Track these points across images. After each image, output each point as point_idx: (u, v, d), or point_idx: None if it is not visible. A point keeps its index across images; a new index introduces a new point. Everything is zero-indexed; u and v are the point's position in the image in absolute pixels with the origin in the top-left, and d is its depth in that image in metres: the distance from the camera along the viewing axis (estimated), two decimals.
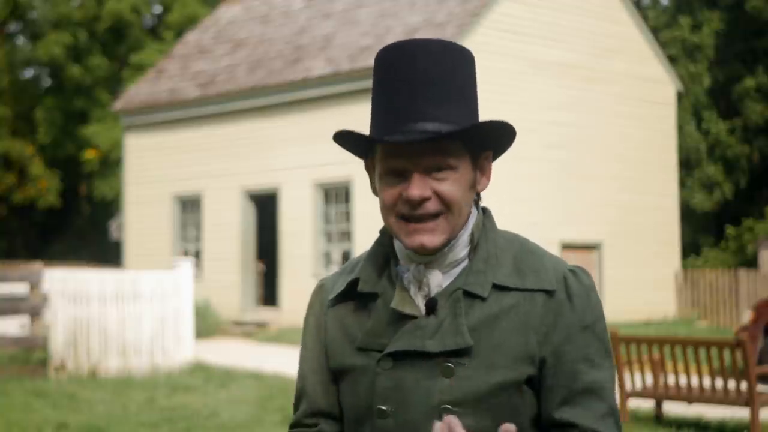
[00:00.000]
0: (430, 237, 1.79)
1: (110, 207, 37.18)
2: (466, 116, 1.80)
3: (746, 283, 21.31)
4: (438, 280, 1.83)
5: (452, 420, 1.62)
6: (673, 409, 9.79)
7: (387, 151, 1.80)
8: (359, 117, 18.04)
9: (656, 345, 8.98)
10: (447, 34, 18.59)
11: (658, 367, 8.88)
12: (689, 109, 28.81)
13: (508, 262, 1.86)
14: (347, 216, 19.87)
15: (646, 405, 9.91)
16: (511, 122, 1.84)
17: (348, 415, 1.90)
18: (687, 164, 28.49)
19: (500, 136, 1.85)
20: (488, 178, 1.89)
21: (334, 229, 20.18)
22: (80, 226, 41.18)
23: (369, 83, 18.88)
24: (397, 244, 1.89)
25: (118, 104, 24.76)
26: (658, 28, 30.11)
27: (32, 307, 12.58)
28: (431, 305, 1.82)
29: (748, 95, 28.72)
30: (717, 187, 28.67)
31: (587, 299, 1.85)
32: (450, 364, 1.78)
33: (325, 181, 20.07)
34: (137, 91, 24.72)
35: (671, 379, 9.72)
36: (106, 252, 35.83)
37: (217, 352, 15.88)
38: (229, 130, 21.97)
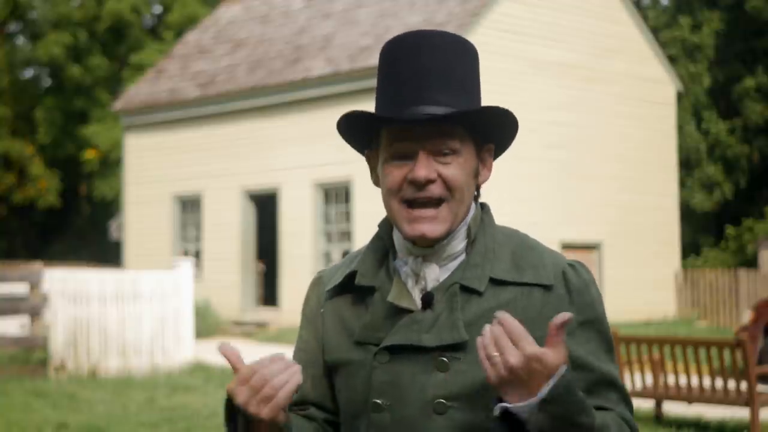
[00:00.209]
0: (431, 226, 1.80)
1: (110, 207, 37.19)
2: (469, 103, 1.83)
3: (746, 283, 21.31)
4: (435, 274, 1.84)
5: (504, 317, 1.63)
6: (673, 409, 9.79)
7: (392, 135, 1.82)
8: None
9: (656, 345, 8.98)
10: None
11: (658, 367, 8.88)
12: (689, 109, 28.81)
13: (506, 257, 1.86)
14: (347, 216, 19.87)
15: (646, 405, 9.91)
16: None
17: (344, 409, 1.90)
18: (687, 164, 28.49)
19: (503, 125, 1.86)
20: (489, 171, 1.90)
21: (334, 229, 20.18)
22: (80, 226, 41.18)
23: (369, 83, 18.91)
24: (396, 237, 1.89)
25: (118, 104, 24.76)
26: (658, 28, 30.11)
27: (32, 307, 12.58)
28: (428, 299, 1.82)
29: (748, 95, 28.72)
30: (717, 187, 28.67)
31: (587, 294, 1.85)
32: (445, 359, 1.78)
33: (325, 181, 20.07)
34: (137, 91, 24.73)
35: (671, 379, 9.72)
36: (106, 252, 35.83)
37: (217, 352, 15.83)
38: (229, 130, 21.97)
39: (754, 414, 8.17)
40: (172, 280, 13.61)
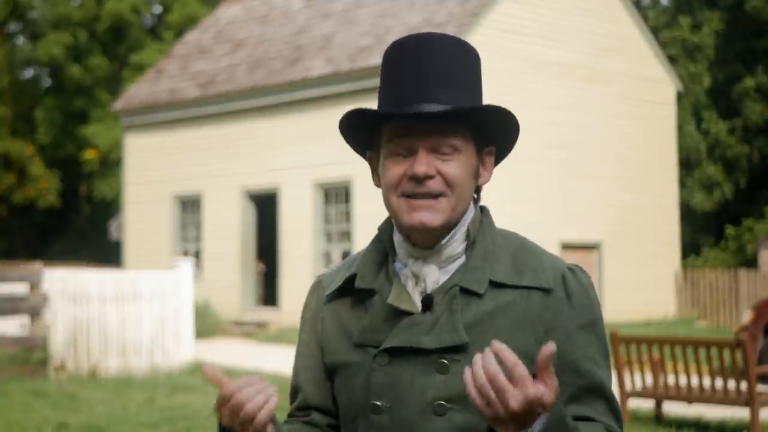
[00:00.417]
0: (429, 215, 1.80)
1: (110, 207, 37.19)
2: (470, 103, 1.84)
3: (746, 283, 21.31)
4: (435, 276, 1.84)
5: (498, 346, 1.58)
6: (673, 409, 9.79)
7: (393, 132, 1.83)
8: None
9: (656, 345, 8.98)
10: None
11: (658, 367, 8.88)
12: (689, 109, 28.81)
13: (506, 260, 1.86)
14: (347, 216, 19.87)
15: (646, 405, 9.91)
16: None
17: (343, 411, 1.91)
18: (687, 164, 28.49)
19: (504, 125, 1.87)
20: (490, 173, 1.91)
21: (334, 229, 20.18)
22: (80, 226, 41.18)
23: (369, 83, 18.92)
24: (396, 239, 1.90)
25: (118, 104, 24.76)
26: (658, 28, 30.11)
27: (32, 307, 12.58)
28: (428, 302, 1.82)
29: (748, 95, 28.72)
30: (717, 187, 28.67)
31: (586, 298, 1.86)
32: (445, 361, 1.79)
33: (325, 181, 20.07)
34: (137, 91, 24.73)
35: (671, 379, 9.72)
36: (106, 252, 35.83)
37: (217, 352, 15.88)
38: (229, 130, 21.97)
39: (754, 414, 8.17)
40: (172, 280, 13.61)
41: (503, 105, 1.84)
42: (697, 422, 9.12)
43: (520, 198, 19.30)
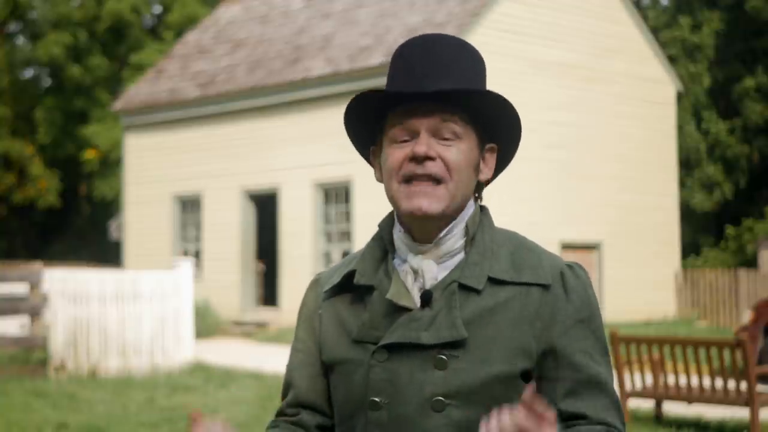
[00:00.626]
0: (428, 201, 1.81)
1: (110, 207, 37.19)
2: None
3: (746, 283, 21.31)
4: (434, 272, 1.85)
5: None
6: (673, 409, 9.79)
7: (396, 118, 1.86)
8: None
9: (656, 345, 8.97)
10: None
11: (658, 367, 8.88)
12: (689, 109, 28.81)
13: (505, 257, 1.87)
14: (347, 216, 19.87)
15: (646, 405, 9.91)
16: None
17: (340, 408, 1.90)
18: (687, 164, 28.49)
19: (505, 117, 1.88)
20: (491, 171, 1.92)
21: (334, 229, 20.18)
22: (80, 226, 41.18)
23: (369, 83, 18.92)
24: (396, 236, 1.91)
25: (118, 104, 24.76)
26: (658, 28, 30.11)
27: (32, 307, 12.58)
28: (426, 297, 1.83)
29: (748, 95, 28.72)
30: (717, 187, 28.67)
31: (584, 294, 1.87)
32: (443, 357, 1.79)
33: (325, 181, 20.07)
34: (137, 91, 24.73)
35: (671, 379, 9.72)
36: (106, 252, 35.83)
37: (217, 352, 15.88)
38: (229, 130, 21.97)
39: (754, 414, 8.17)
40: (172, 280, 13.61)
41: None
42: (697, 422, 9.12)
43: (520, 198, 19.29)
